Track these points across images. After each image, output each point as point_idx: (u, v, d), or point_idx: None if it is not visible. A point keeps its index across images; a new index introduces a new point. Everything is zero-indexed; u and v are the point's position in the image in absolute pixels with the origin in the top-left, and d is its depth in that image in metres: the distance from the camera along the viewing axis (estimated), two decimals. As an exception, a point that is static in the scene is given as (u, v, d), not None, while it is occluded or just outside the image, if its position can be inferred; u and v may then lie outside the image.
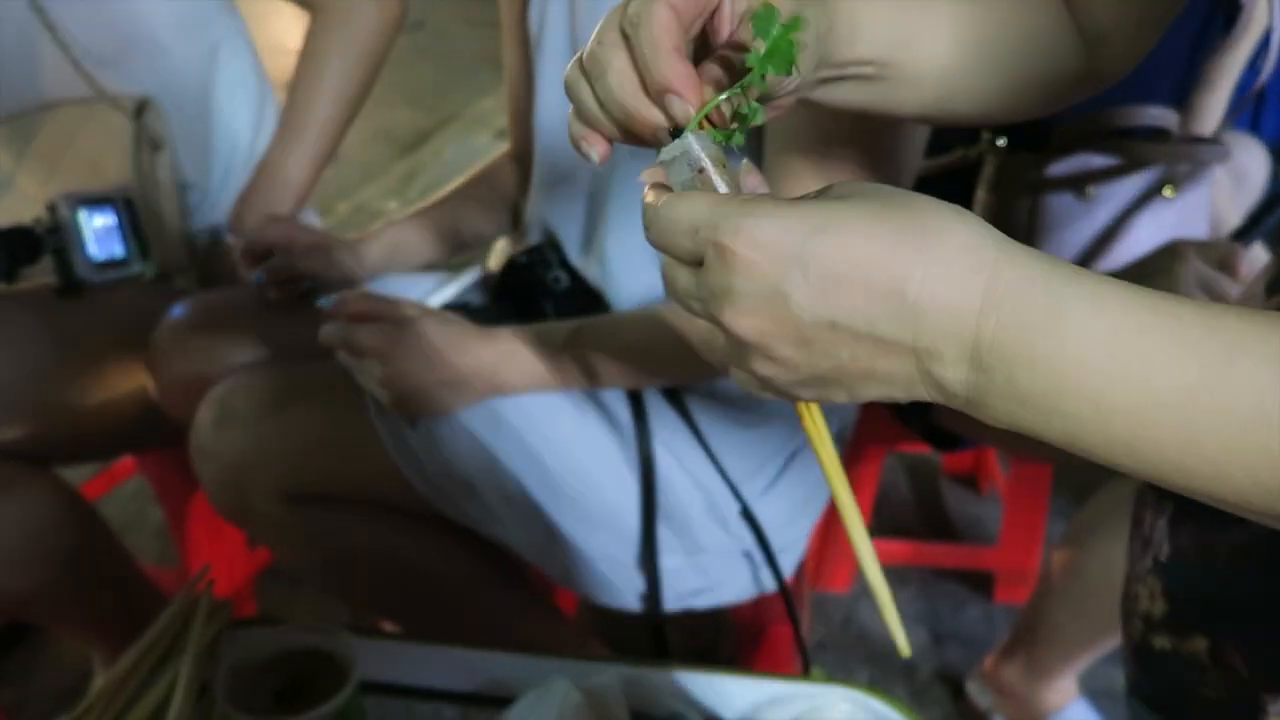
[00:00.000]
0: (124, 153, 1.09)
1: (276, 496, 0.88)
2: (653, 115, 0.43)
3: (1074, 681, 1.20)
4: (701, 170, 0.42)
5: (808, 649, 1.01)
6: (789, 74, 0.43)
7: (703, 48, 0.46)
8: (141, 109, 1.08)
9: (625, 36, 0.43)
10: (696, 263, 0.40)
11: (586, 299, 0.95)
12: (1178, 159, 1.08)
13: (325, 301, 0.87)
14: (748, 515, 0.90)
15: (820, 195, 0.40)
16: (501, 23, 1.03)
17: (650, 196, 0.42)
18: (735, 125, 0.44)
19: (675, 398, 0.90)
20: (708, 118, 0.43)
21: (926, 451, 1.57)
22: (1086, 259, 1.11)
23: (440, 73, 3.69)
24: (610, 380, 0.86)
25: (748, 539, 0.92)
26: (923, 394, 0.38)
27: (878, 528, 1.59)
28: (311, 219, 1.25)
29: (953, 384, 0.37)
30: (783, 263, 0.37)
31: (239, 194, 1.15)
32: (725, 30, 0.45)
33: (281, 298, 1.03)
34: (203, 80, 1.16)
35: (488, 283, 1.07)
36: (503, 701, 0.77)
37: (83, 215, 1.03)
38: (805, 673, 0.98)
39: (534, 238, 1.01)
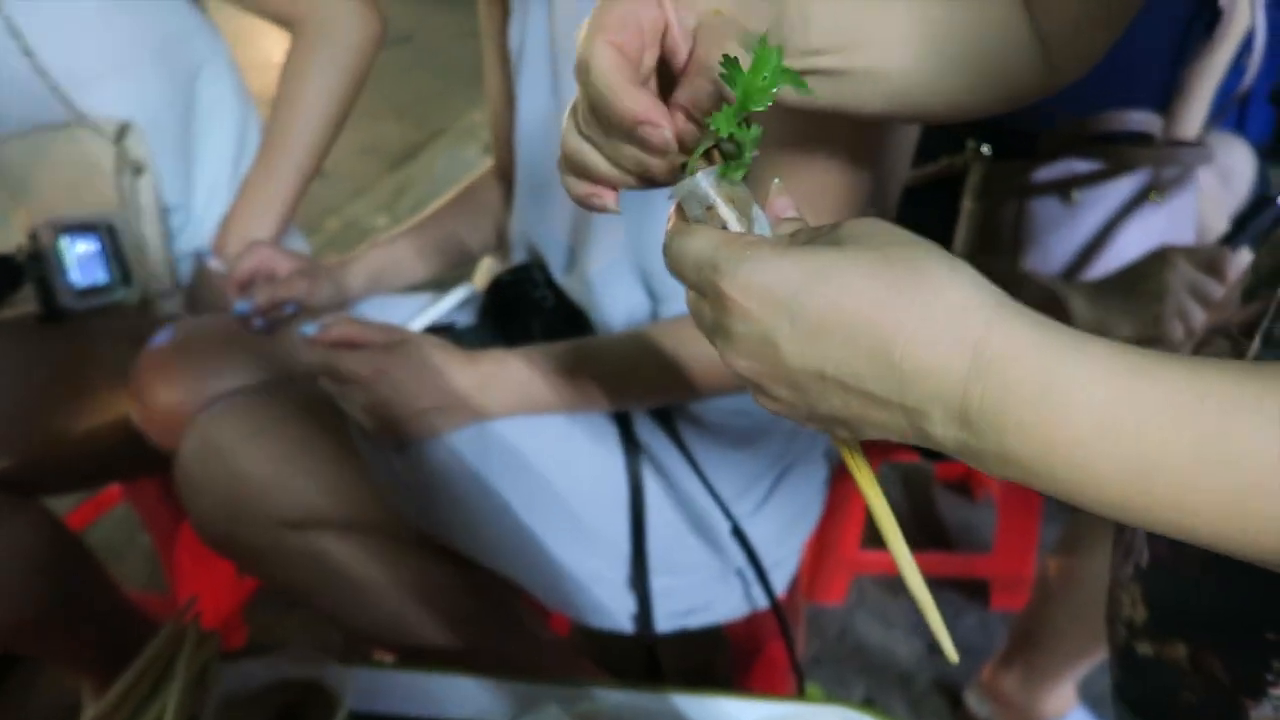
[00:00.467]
0: (105, 177, 1.09)
1: (264, 527, 0.87)
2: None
3: (1073, 689, 1.19)
4: (710, 207, 0.43)
5: (803, 663, 1.00)
6: (770, 103, 0.42)
7: (668, 74, 0.46)
8: (123, 133, 1.08)
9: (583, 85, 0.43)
10: (704, 295, 0.41)
11: (574, 317, 0.94)
12: (1162, 162, 1.08)
13: (308, 329, 0.86)
14: (739, 534, 0.89)
15: (828, 234, 0.40)
16: (482, 41, 1.02)
17: (670, 224, 0.44)
18: (732, 160, 0.44)
19: (664, 418, 0.90)
20: (716, 149, 0.44)
21: (918, 460, 1.57)
22: (1075, 265, 1.11)
23: (429, 86, 3.69)
24: (598, 402, 0.85)
25: (739, 558, 0.91)
26: (920, 443, 0.38)
27: (871, 538, 1.58)
28: (297, 239, 1.25)
29: (943, 440, 0.37)
30: (773, 312, 0.38)
31: (222, 217, 1.15)
32: (683, 49, 0.45)
33: (266, 326, 1.02)
34: (184, 102, 1.15)
35: (475, 302, 1.06)
36: (494, 729, 0.77)
37: (64, 242, 1.03)
38: (799, 689, 0.97)
39: (519, 256, 1.01)
